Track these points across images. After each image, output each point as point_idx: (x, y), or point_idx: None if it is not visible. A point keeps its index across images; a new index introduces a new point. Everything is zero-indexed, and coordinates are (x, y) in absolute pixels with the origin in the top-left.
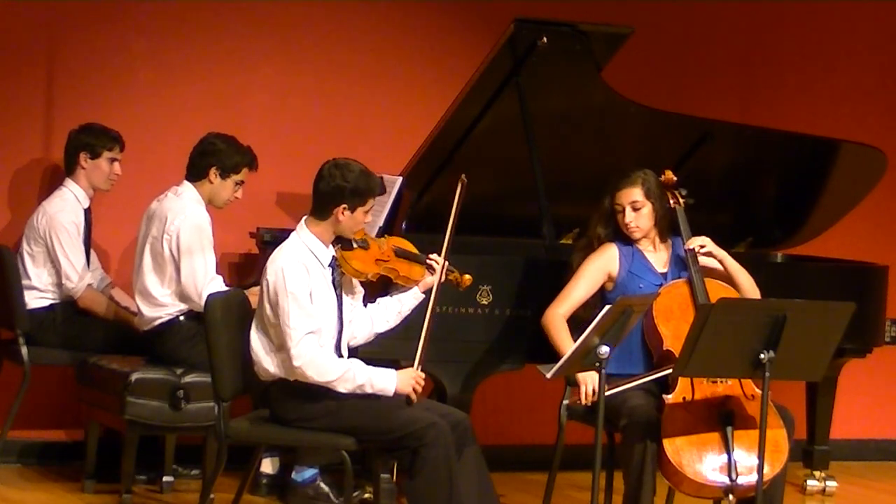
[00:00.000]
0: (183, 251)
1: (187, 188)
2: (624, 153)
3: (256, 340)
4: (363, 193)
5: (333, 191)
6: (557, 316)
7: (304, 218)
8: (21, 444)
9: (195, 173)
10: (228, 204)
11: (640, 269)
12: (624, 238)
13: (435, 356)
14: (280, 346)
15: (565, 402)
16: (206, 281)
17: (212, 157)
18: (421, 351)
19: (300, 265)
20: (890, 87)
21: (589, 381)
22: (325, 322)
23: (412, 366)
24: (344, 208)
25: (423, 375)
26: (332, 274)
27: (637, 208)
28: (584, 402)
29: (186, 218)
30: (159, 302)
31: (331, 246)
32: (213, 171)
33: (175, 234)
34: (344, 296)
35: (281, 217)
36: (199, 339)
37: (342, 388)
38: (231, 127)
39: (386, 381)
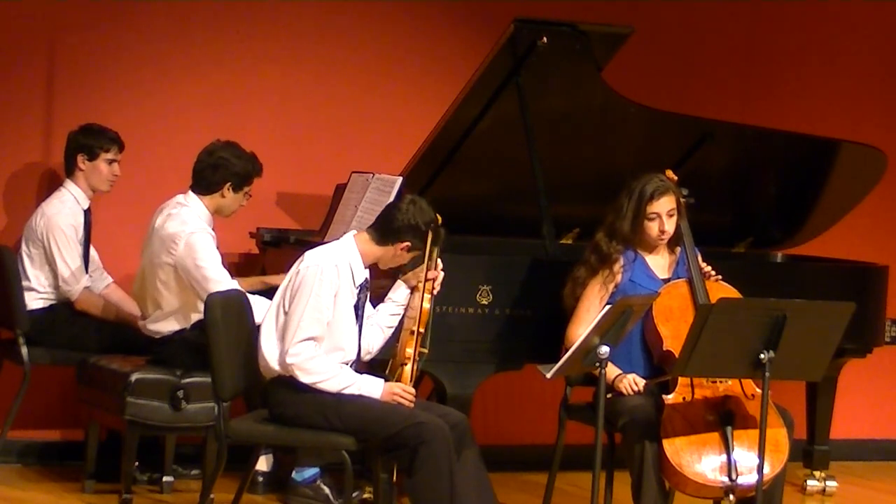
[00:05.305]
0: (192, 272)
1: (193, 204)
2: (624, 153)
3: (268, 327)
4: (423, 240)
5: (407, 227)
6: (577, 336)
7: (356, 232)
8: (21, 444)
9: (206, 186)
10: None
11: (641, 276)
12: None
13: (435, 356)
14: (281, 336)
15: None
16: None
17: (225, 172)
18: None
19: (335, 269)
20: (890, 87)
21: (627, 384)
22: (339, 336)
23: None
24: (406, 246)
25: (412, 391)
26: (358, 295)
27: (672, 215)
28: (631, 392)
29: (190, 242)
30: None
31: (367, 270)
32: (227, 187)
33: (182, 261)
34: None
35: (281, 217)
36: (203, 349)
37: (327, 387)
38: (232, 127)
39: (371, 389)
